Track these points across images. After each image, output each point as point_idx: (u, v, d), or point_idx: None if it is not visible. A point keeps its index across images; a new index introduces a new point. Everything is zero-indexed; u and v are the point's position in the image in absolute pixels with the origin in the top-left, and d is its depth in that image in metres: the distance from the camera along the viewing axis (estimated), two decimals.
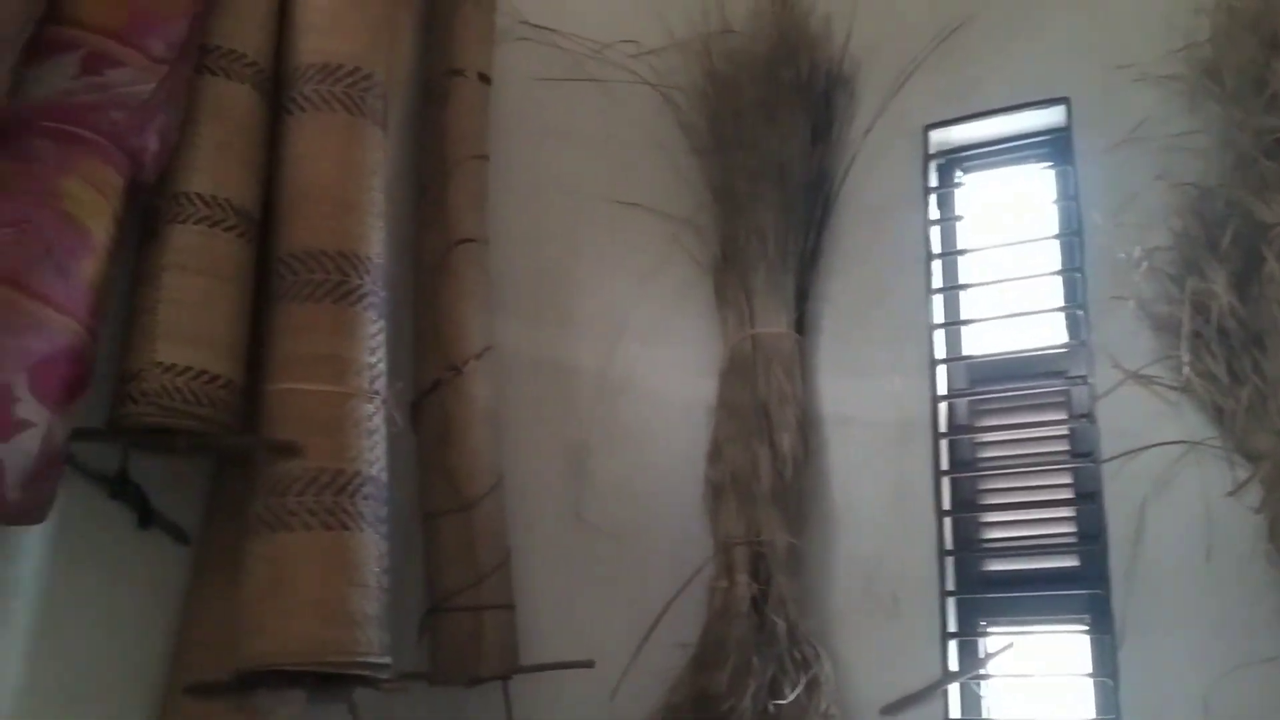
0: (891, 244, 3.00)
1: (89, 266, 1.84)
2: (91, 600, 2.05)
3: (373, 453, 2.09)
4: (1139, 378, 2.58)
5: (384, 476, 2.12)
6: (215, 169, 2.09)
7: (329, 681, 2.00)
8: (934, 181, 3.07)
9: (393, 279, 2.38)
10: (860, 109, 3.16)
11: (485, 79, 3.01)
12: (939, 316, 2.92)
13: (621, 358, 3.07)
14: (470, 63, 2.98)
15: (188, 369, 1.96)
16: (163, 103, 1.99)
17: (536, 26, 3.25)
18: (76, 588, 2.02)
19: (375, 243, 2.24)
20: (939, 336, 2.90)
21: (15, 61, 1.83)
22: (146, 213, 2.09)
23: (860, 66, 3.20)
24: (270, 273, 2.18)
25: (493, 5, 3.10)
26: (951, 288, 2.97)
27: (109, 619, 2.08)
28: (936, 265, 2.97)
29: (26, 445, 1.71)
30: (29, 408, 1.71)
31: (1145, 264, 2.62)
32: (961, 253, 3.01)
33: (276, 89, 2.28)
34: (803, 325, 2.98)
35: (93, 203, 1.86)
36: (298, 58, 2.27)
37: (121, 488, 2.05)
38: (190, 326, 1.98)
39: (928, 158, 3.05)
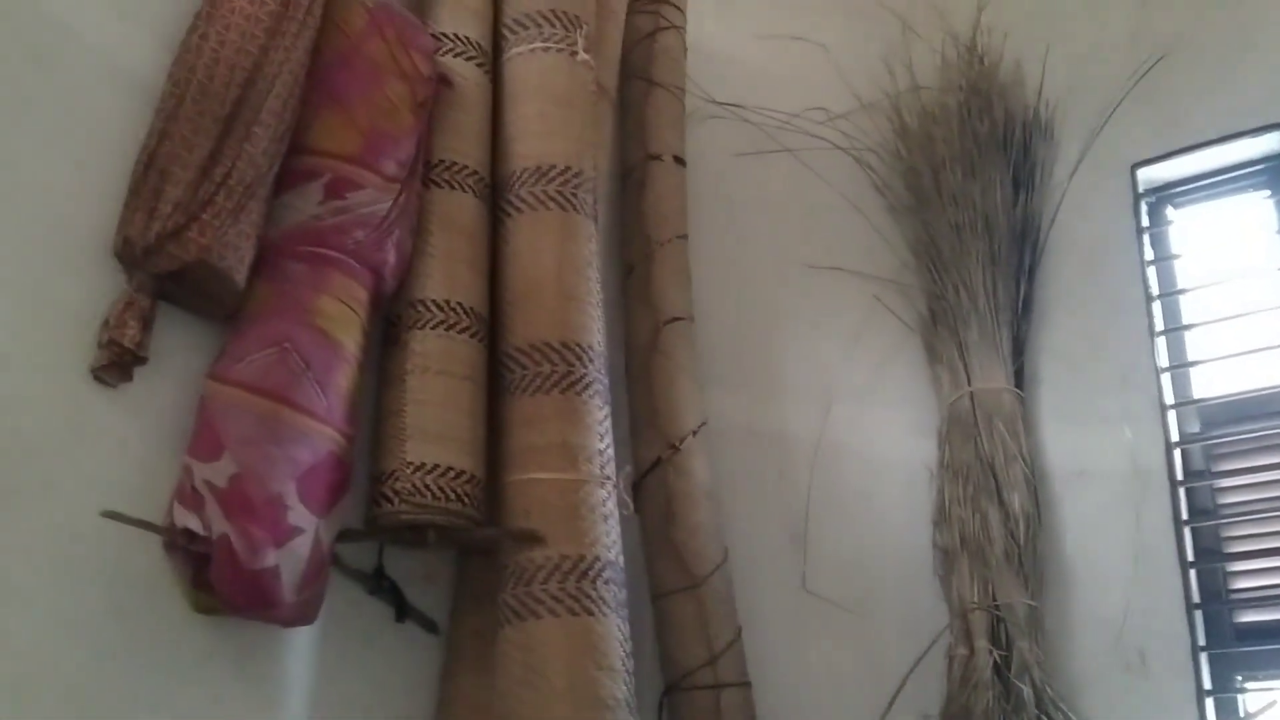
0: (1107, 288, 2.92)
1: (343, 378, 1.96)
2: (356, 693, 2.15)
3: (609, 537, 2.14)
4: None
5: (621, 560, 2.17)
6: (447, 275, 2.21)
7: None
8: (1146, 220, 2.97)
9: (606, 361, 2.44)
10: (1062, 153, 3.11)
11: (680, 160, 3.08)
12: (1164, 360, 2.81)
13: (834, 423, 3.05)
14: (665, 146, 3.05)
15: (435, 466, 2.05)
16: (398, 218, 2.12)
17: (725, 104, 3.31)
18: (341, 682, 2.12)
19: (596, 331, 2.31)
20: (1166, 380, 2.79)
21: (269, 194, 1.98)
22: (389, 321, 2.22)
23: (1058, 109, 3.15)
24: (499, 366, 2.27)
25: (682, 89, 3.17)
26: (1175, 329, 2.86)
27: (371, 710, 2.18)
28: (1157, 306, 2.86)
29: (299, 551, 1.82)
30: (299, 515, 1.83)
31: None
32: (1181, 292, 2.90)
33: (494, 193, 2.39)
34: (1021, 378, 2.91)
35: (343, 318, 1.99)
36: (512, 163, 2.38)
37: (379, 583, 2.16)
38: (435, 426, 2.08)
39: (1138, 197, 2.97)
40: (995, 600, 2.64)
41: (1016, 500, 2.72)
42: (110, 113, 1.92)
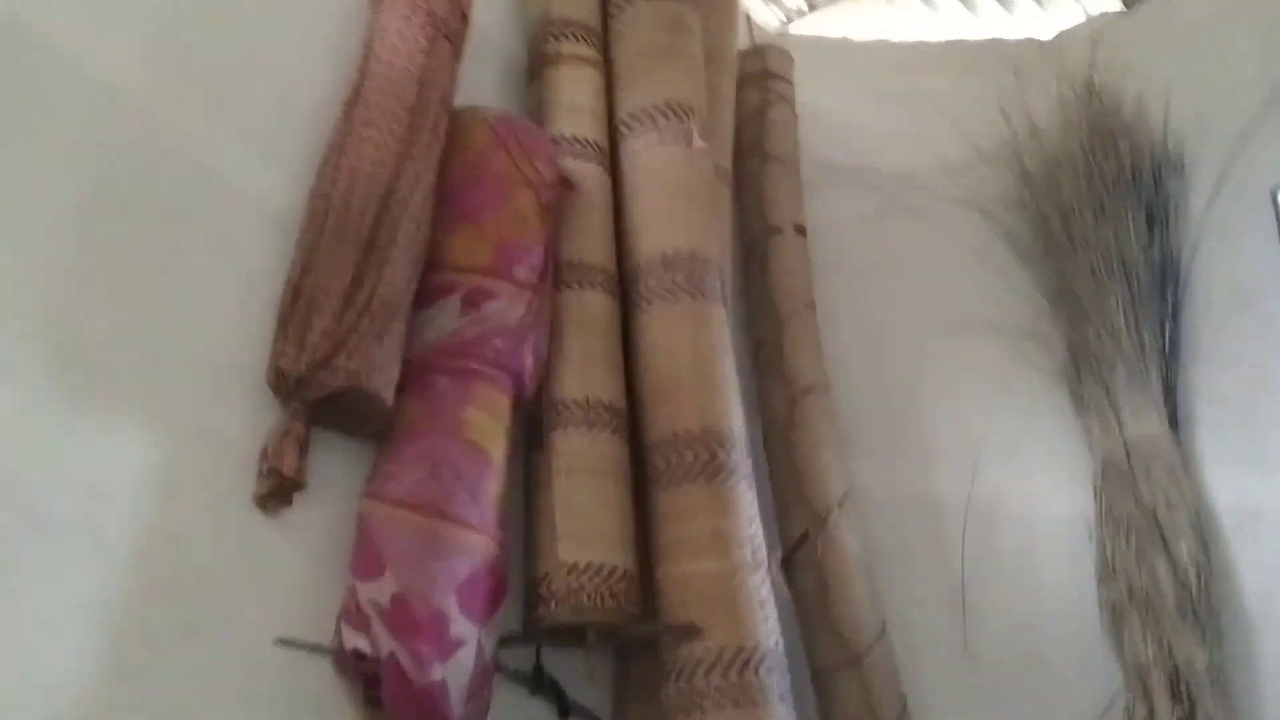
0: (1260, 320, 2.79)
1: (493, 486, 2.00)
2: None
3: (767, 624, 2.12)
4: None
5: (781, 647, 2.14)
6: (584, 374, 2.25)
7: None
8: None
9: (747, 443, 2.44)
10: (1196, 184, 3.00)
11: (801, 230, 3.09)
12: None
13: (984, 482, 2.98)
14: (785, 218, 3.07)
15: (589, 565, 2.07)
16: (533, 323, 2.17)
17: (842, 169, 3.31)
18: None
19: (736, 416, 2.31)
20: None
21: (409, 313, 2.05)
22: (531, 422, 2.26)
23: (1186, 140, 3.05)
24: (643, 460, 2.28)
25: (796, 159, 3.19)
26: None
27: None
28: None
29: (464, 662, 1.85)
30: (461, 626, 1.86)
31: None
32: None
33: (623, 287, 2.43)
34: (1176, 422, 2.79)
35: (489, 427, 2.03)
36: (639, 256, 2.42)
37: (540, 684, 2.17)
38: (585, 526, 2.10)
39: None
40: (1173, 656, 2.52)
41: (1185, 549, 2.60)
42: (255, 248, 2.01)
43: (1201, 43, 3.12)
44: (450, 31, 2.28)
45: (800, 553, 2.68)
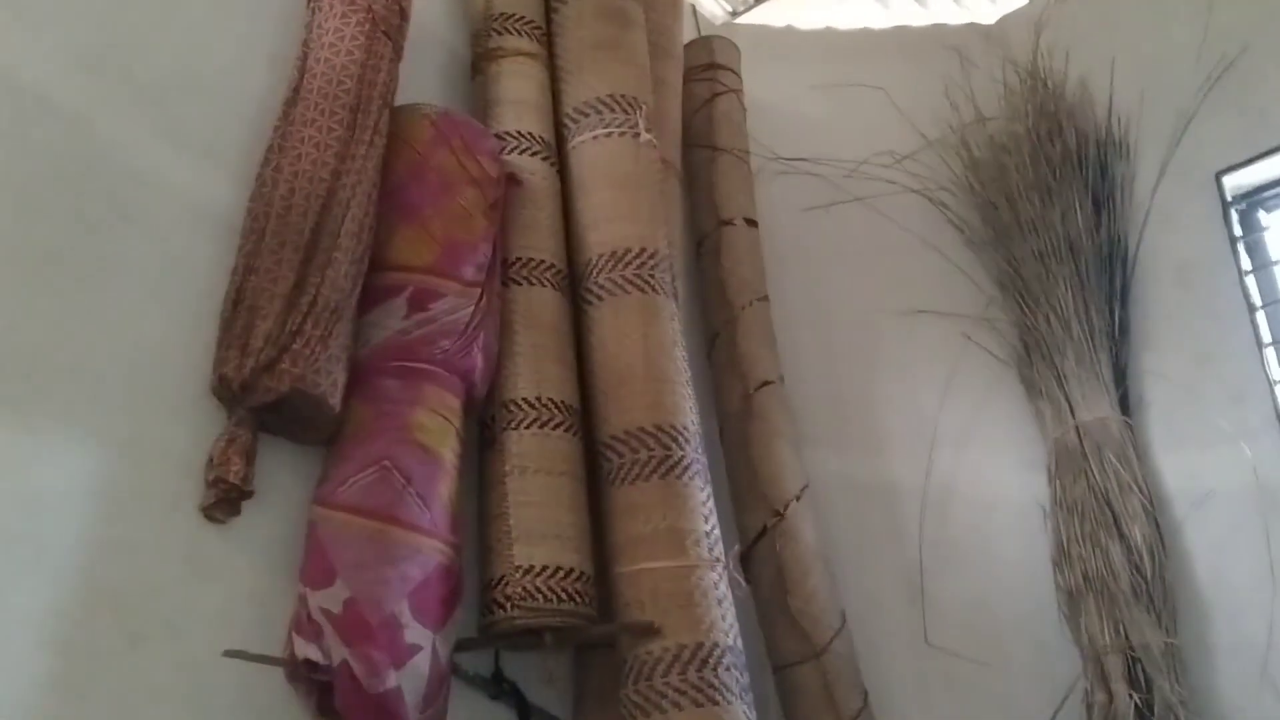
0: (1207, 303, 2.81)
1: (444, 488, 1.97)
2: None
3: (725, 621, 2.11)
4: None
5: (740, 644, 2.13)
6: (535, 372, 2.22)
7: None
8: (1238, 229, 2.87)
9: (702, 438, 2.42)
10: (1141, 168, 3.02)
11: (752, 222, 3.08)
12: (1277, 371, 2.70)
13: (939, 469, 2.99)
14: (735, 210, 3.05)
15: (544, 568, 2.05)
16: (481, 322, 2.14)
17: (791, 159, 3.30)
18: None
19: (689, 410, 2.29)
20: None
21: (354, 314, 2.01)
22: (482, 424, 2.23)
23: (1131, 123, 3.07)
24: (597, 457, 2.26)
25: (746, 150, 3.17)
26: None
27: None
28: (1261, 316, 2.76)
29: (419, 668, 1.82)
30: (415, 632, 1.83)
31: None
32: None
33: (573, 283, 2.40)
34: (1127, 404, 2.81)
35: (439, 429, 2.00)
36: (588, 251, 2.40)
37: (500, 688, 2.15)
38: (540, 526, 2.08)
39: (1226, 205, 2.86)
40: (1128, 639, 2.54)
41: (1138, 532, 2.62)
42: (197, 255, 1.98)
43: (1142, 26, 3.14)
44: (390, 29, 2.24)
45: (759, 547, 2.67)
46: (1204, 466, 2.70)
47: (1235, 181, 2.89)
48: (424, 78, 2.51)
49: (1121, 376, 2.84)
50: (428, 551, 1.90)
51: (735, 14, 3.72)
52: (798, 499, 2.70)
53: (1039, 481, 2.86)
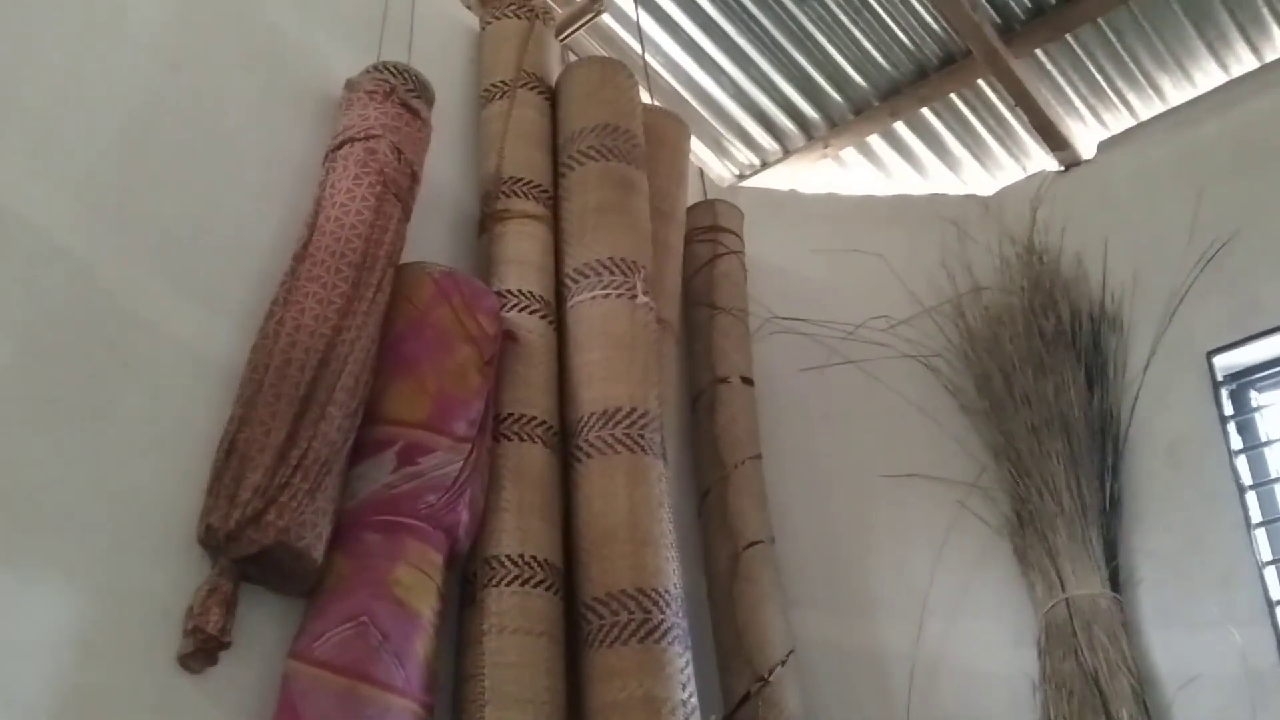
0: (1197, 481, 2.83)
1: (420, 646, 1.97)
2: None
3: None
4: None
5: None
6: (520, 529, 2.24)
7: None
8: (1229, 409, 2.90)
9: (685, 590, 2.41)
10: (1134, 344, 3.07)
11: (748, 380, 3.12)
12: (1266, 554, 2.70)
13: (929, 637, 2.96)
14: (732, 368, 3.11)
15: None
16: (469, 477, 2.17)
17: (789, 319, 3.37)
18: None
19: (671, 573, 2.30)
20: (1271, 575, 2.67)
21: (344, 467, 2.05)
22: (464, 579, 2.24)
23: (1124, 300, 3.14)
24: (578, 618, 2.26)
25: (744, 310, 3.24)
26: (1274, 520, 2.75)
27: None
28: (1251, 497, 2.77)
29: None
30: None
31: None
32: (1276, 481, 2.80)
33: (563, 440, 2.44)
34: (1117, 581, 2.80)
35: (419, 585, 2.02)
36: (580, 408, 2.44)
37: None
38: (514, 688, 2.06)
39: (1217, 385, 2.91)
40: None
41: (1125, 714, 2.58)
42: (195, 404, 2.02)
43: (1136, 206, 3.24)
44: (400, 191, 2.34)
45: (742, 712, 2.64)
46: (1193, 649, 2.68)
47: (1226, 362, 2.94)
48: (432, 233, 2.60)
49: (1112, 552, 2.84)
50: (398, 711, 1.89)
51: (741, 177, 3.85)
52: (783, 664, 2.68)
53: (1029, 654, 2.84)
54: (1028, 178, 3.57)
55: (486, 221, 2.67)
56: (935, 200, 3.65)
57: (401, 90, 2.44)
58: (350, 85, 2.47)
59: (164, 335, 2.03)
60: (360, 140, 2.33)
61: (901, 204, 3.70)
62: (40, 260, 1.91)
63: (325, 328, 2.09)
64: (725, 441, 3.00)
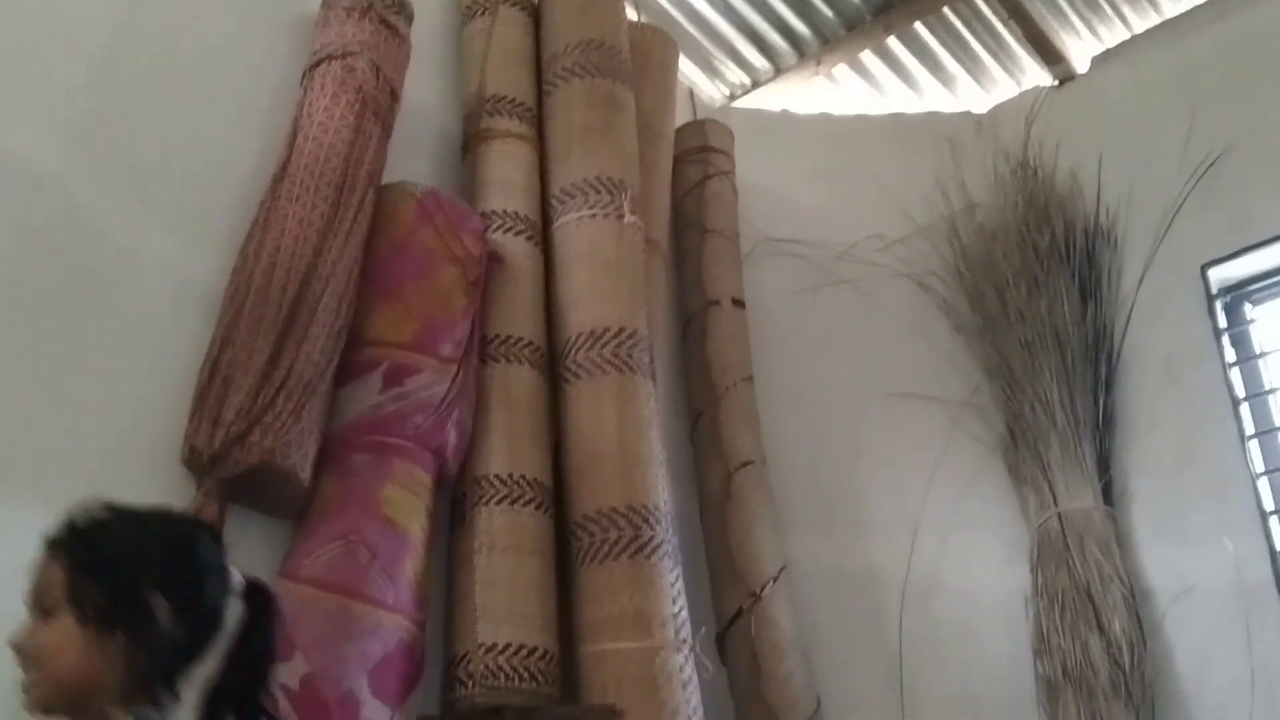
0: (1191, 395, 2.82)
1: (410, 565, 1.98)
2: None
3: (690, 705, 2.10)
4: None
5: None
6: (509, 449, 2.24)
7: None
8: (1223, 322, 2.88)
9: (678, 512, 2.42)
10: (1128, 259, 3.04)
11: (739, 303, 3.11)
12: (1259, 465, 2.69)
13: (922, 555, 2.97)
14: (723, 290, 3.09)
15: (508, 646, 2.05)
16: (457, 398, 2.16)
17: (781, 241, 3.34)
18: None
19: (661, 491, 2.30)
20: (1264, 486, 2.67)
21: (329, 389, 2.04)
22: (454, 500, 2.24)
23: (1118, 215, 3.09)
24: (568, 536, 2.27)
25: (735, 232, 3.21)
26: (1267, 431, 2.74)
27: None
28: (1245, 409, 2.76)
29: None
30: (373, 709, 1.84)
31: None
32: (1270, 392, 2.79)
33: (551, 362, 2.43)
34: (1110, 495, 2.80)
35: (408, 504, 2.02)
36: (567, 330, 2.43)
37: None
38: (505, 605, 2.08)
39: (1211, 298, 2.88)
40: None
41: (1117, 625, 2.60)
42: (177, 328, 2.01)
43: (1129, 120, 3.18)
44: (379, 109, 2.30)
45: (734, 629, 2.66)
46: (1186, 561, 2.68)
47: (1220, 274, 2.91)
48: (414, 155, 2.56)
49: (1105, 467, 2.84)
50: (389, 627, 1.90)
51: (732, 98, 3.78)
52: (774, 581, 2.69)
53: (1022, 571, 2.84)
54: (1022, 93, 3.51)
55: (469, 142, 2.63)
56: (929, 118, 3.60)
57: (380, 7, 2.40)
58: (327, 3, 2.42)
59: (144, 260, 2.01)
60: (338, 58, 2.29)
61: (895, 122, 3.64)
62: (18, 188, 1.89)
63: (306, 248, 2.06)
64: (717, 364, 2.99)
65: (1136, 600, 2.66)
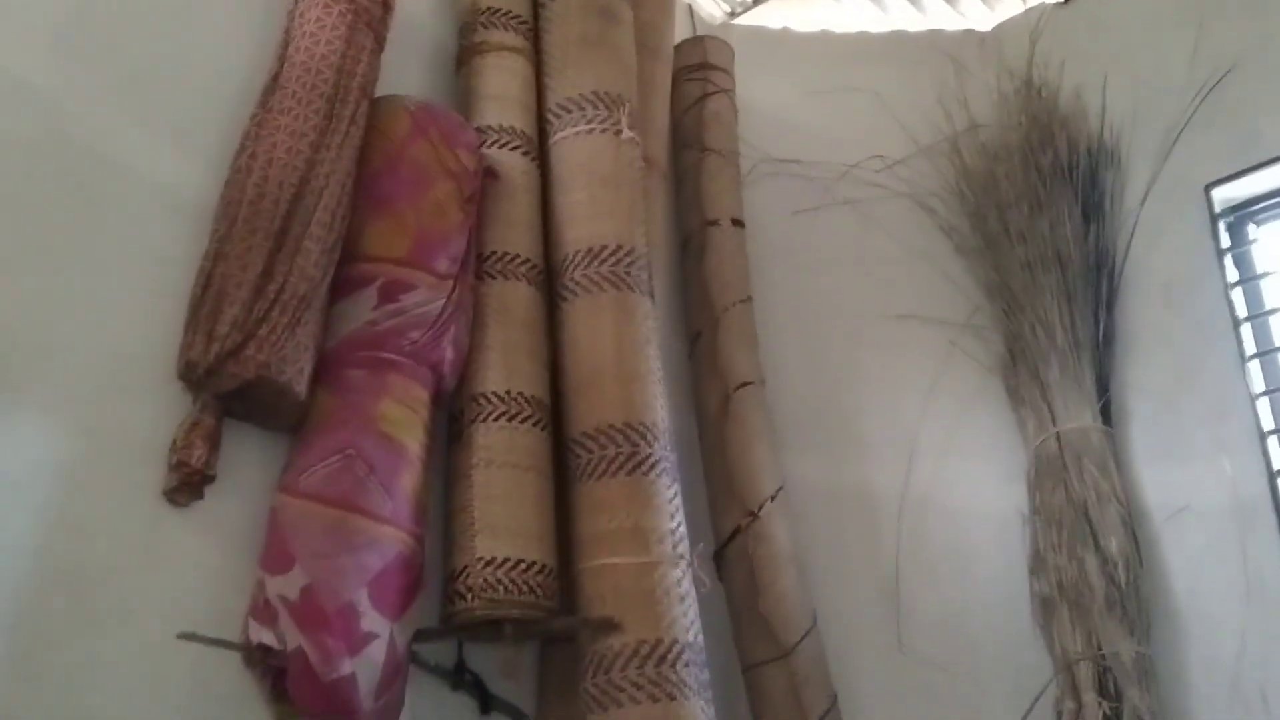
0: (1192, 315, 2.80)
1: (408, 479, 1.98)
2: None
3: (687, 618, 2.11)
4: None
5: (700, 640, 2.13)
6: (506, 366, 2.22)
7: None
8: (1226, 242, 2.86)
9: (677, 432, 2.42)
10: (1131, 179, 3.01)
11: (739, 223, 3.08)
12: (1259, 385, 2.69)
13: (919, 476, 2.98)
14: (722, 210, 3.05)
15: (506, 560, 2.05)
16: (453, 315, 2.14)
17: (782, 161, 3.30)
18: None
19: (659, 408, 2.29)
20: (1263, 406, 2.66)
21: (324, 304, 2.02)
22: (451, 417, 2.23)
23: (1122, 134, 3.06)
24: (566, 453, 2.26)
25: (735, 151, 3.17)
26: (1267, 352, 2.73)
27: None
28: (1246, 330, 2.74)
29: (374, 656, 1.83)
30: (372, 620, 1.84)
31: None
32: (1271, 312, 2.77)
33: (549, 279, 2.41)
34: (1108, 415, 2.80)
35: (405, 420, 2.01)
36: (565, 247, 2.40)
37: (461, 679, 2.16)
38: (504, 519, 2.08)
39: (1214, 218, 2.85)
40: (1100, 649, 2.53)
41: (1114, 543, 2.61)
42: (170, 241, 1.98)
43: (1135, 38, 3.13)
44: (372, 20, 2.25)
45: (731, 547, 2.67)
46: (1183, 480, 2.69)
47: (1224, 194, 2.88)
48: (407, 69, 2.52)
49: (1104, 387, 2.83)
50: (388, 541, 1.91)
51: (732, 15, 3.72)
52: (772, 500, 2.70)
53: (1019, 491, 2.86)
54: (1026, 10, 3.44)
55: (464, 55, 2.59)
56: (932, 36, 3.54)
57: None
58: None
59: (134, 173, 1.98)
60: None
61: (898, 40, 3.58)
62: (5, 102, 1.84)
63: (298, 161, 2.03)
64: (716, 285, 2.97)
65: (1133, 519, 2.67)
